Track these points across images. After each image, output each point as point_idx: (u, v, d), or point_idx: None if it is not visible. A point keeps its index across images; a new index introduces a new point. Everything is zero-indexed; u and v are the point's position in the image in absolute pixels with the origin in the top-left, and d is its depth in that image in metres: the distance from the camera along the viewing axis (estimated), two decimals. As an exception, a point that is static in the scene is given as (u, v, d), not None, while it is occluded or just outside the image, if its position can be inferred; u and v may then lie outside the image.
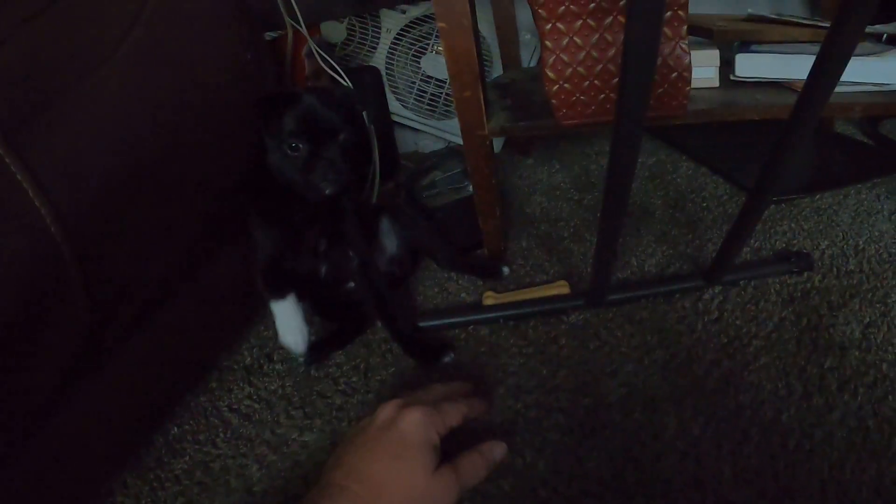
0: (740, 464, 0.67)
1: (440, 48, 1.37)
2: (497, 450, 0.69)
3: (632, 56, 0.55)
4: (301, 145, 0.81)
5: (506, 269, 1.05)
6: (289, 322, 0.85)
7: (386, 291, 0.93)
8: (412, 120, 1.47)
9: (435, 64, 1.40)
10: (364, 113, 1.15)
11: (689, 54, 0.81)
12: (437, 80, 1.41)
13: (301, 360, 0.91)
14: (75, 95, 0.62)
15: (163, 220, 0.73)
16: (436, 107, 1.45)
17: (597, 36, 0.80)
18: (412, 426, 0.63)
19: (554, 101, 0.85)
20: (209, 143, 0.79)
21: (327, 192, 0.83)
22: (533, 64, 1.42)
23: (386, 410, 0.66)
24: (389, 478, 0.60)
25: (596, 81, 0.83)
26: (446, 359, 0.87)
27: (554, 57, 0.82)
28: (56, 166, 0.58)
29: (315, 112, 0.82)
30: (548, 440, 0.73)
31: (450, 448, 0.65)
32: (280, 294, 0.85)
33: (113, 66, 0.67)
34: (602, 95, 0.84)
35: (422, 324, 0.94)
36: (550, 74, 0.83)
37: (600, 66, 0.82)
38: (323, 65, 1.19)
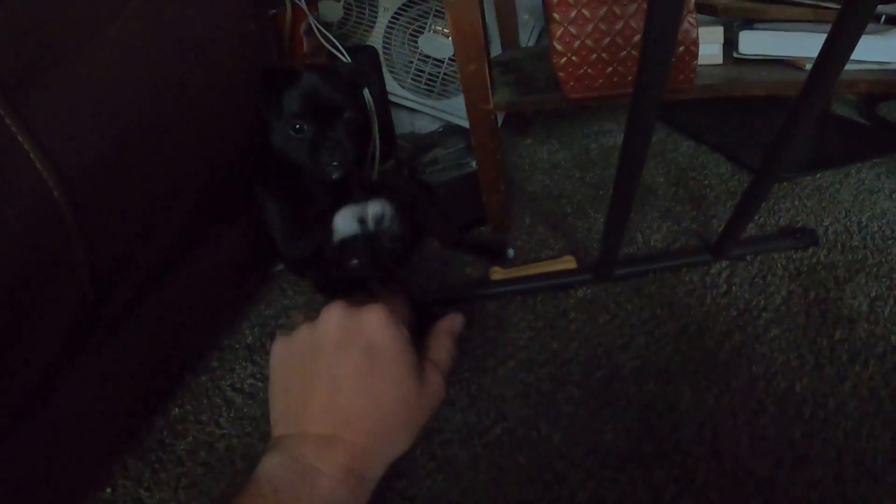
0: (757, 433, 0.66)
1: (438, 27, 1.36)
2: (456, 322, 0.64)
3: (653, 28, 0.54)
4: (306, 126, 0.81)
5: (511, 252, 1.02)
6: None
7: (391, 266, 0.91)
8: (409, 100, 1.46)
9: (433, 43, 1.38)
10: (366, 90, 1.14)
11: (697, 28, 0.80)
12: (434, 59, 1.40)
13: None
14: (77, 58, 0.61)
15: (165, 189, 0.71)
16: (433, 86, 1.43)
17: (605, 9, 0.79)
18: (379, 329, 0.51)
19: (561, 73, 0.84)
20: (212, 110, 0.77)
21: (334, 175, 0.83)
22: (531, 44, 1.41)
23: (333, 318, 0.52)
24: (379, 405, 0.50)
25: (604, 55, 0.82)
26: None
27: (562, 30, 0.81)
28: (58, 128, 0.57)
29: (318, 91, 0.81)
30: (562, 413, 0.72)
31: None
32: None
33: (115, 29, 0.65)
34: (609, 69, 0.83)
35: (427, 299, 0.93)
36: (558, 47, 0.82)
37: (608, 39, 0.81)
38: (323, 41, 1.17)
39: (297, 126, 0.81)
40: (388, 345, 0.51)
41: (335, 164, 0.82)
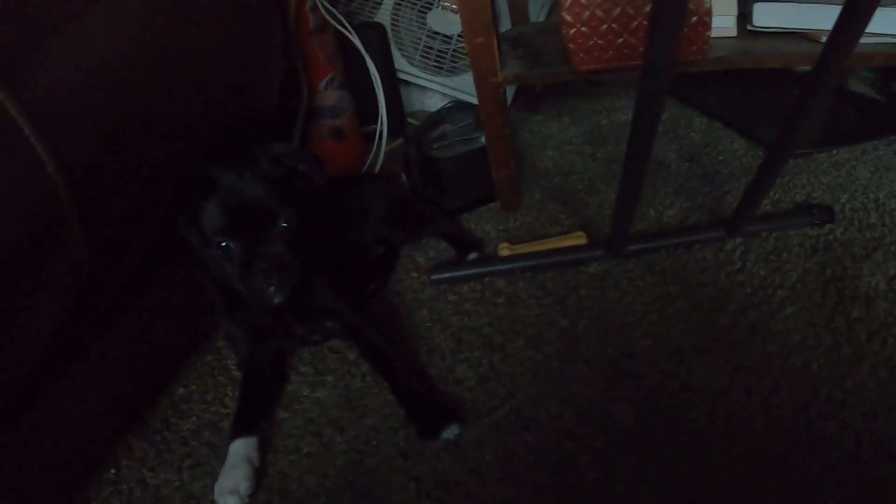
0: (772, 414, 0.65)
1: (446, 3, 1.34)
2: None
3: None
4: (231, 244, 0.67)
5: (473, 256, 0.95)
6: (229, 471, 0.66)
7: (388, 349, 0.77)
8: (418, 77, 1.44)
9: (442, 19, 1.36)
10: (371, 63, 1.10)
11: (710, -1, 0.78)
12: (443, 35, 1.38)
13: None
14: (71, 32, 0.60)
15: (161, 163, 0.70)
16: (443, 63, 1.41)
17: (615, -23, 0.78)
18: None
19: (570, 45, 0.83)
20: (209, 85, 0.76)
21: (275, 300, 0.69)
22: (541, 19, 1.39)
23: None
24: None
25: (614, 25, 0.80)
26: (447, 434, 0.67)
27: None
28: (52, 103, 0.56)
29: (241, 196, 0.67)
30: (572, 392, 0.71)
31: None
32: (238, 431, 0.71)
33: (110, 2, 0.64)
34: (620, 40, 0.82)
35: (435, 276, 0.91)
36: (567, 17, 0.80)
37: (619, 8, 0.79)
38: (329, 18, 1.15)
39: (223, 244, 0.67)
40: None
41: (272, 287, 0.68)
